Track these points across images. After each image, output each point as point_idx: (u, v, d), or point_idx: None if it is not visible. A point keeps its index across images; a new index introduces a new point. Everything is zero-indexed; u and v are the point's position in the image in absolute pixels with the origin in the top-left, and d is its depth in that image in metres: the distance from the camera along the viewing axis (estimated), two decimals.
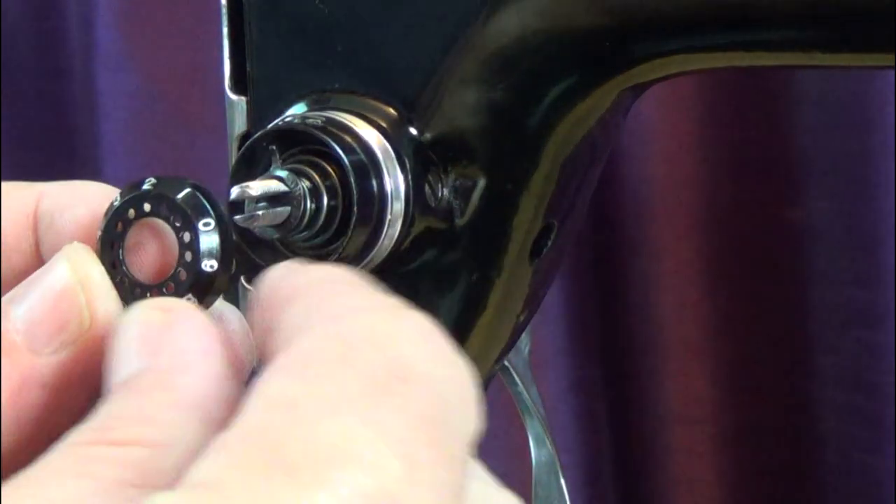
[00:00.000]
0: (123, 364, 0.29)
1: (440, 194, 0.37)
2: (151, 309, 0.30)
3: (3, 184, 0.37)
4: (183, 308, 0.30)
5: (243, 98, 0.39)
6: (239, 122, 0.39)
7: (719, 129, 0.74)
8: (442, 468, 0.26)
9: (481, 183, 0.37)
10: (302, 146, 0.35)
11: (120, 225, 0.32)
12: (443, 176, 0.37)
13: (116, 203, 0.32)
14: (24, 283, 0.33)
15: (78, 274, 0.32)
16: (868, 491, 0.73)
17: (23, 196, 0.36)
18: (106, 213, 0.33)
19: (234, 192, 0.34)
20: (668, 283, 0.76)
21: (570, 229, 0.40)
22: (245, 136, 0.38)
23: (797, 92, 0.72)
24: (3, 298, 0.33)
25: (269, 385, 0.26)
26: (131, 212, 0.32)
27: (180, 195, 0.31)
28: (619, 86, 0.37)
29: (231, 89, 0.39)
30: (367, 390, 0.26)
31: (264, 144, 0.36)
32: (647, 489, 0.78)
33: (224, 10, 0.39)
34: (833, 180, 0.72)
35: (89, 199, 0.35)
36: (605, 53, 0.36)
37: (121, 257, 0.32)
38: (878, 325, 0.71)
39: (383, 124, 0.36)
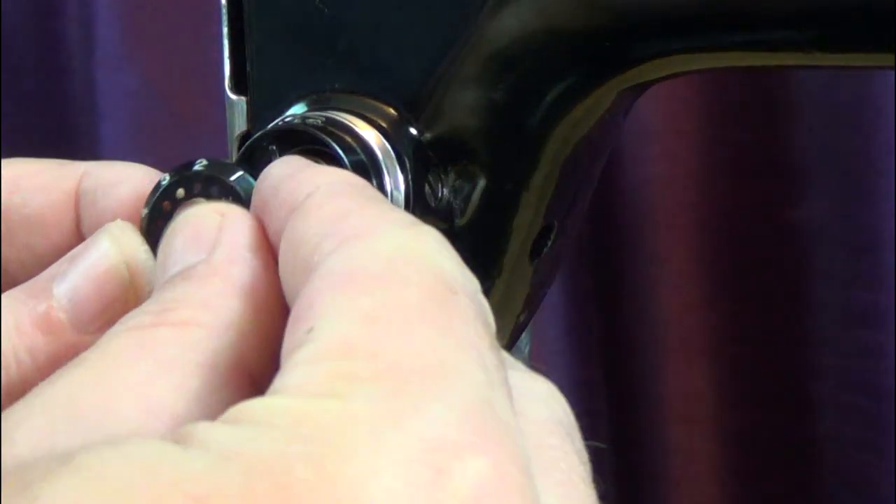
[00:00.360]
0: (178, 258, 0.30)
1: (440, 194, 0.37)
2: (205, 210, 0.31)
3: (46, 161, 0.38)
4: (235, 210, 0.31)
5: (243, 98, 0.39)
6: (239, 122, 0.39)
7: (719, 129, 0.74)
8: (501, 369, 0.27)
9: (481, 183, 0.37)
10: (302, 146, 0.35)
11: (168, 204, 0.33)
12: (443, 176, 0.37)
13: (165, 182, 0.33)
14: (65, 258, 0.33)
15: (123, 252, 0.33)
16: (868, 491, 0.73)
17: (65, 174, 0.37)
18: (153, 192, 0.33)
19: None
20: (669, 283, 0.76)
21: (570, 229, 0.40)
22: (245, 136, 0.38)
23: (797, 92, 0.72)
24: (44, 274, 0.33)
25: (332, 298, 0.26)
26: (180, 191, 0.33)
27: (233, 177, 0.32)
28: (619, 86, 0.37)
29: (231, 89, 0.39)
30: (428, 303, 0.26)
31: (264, 144, 0.36)
32: (647, 489, 0.78)
33: (224, 10, 0.39)
34: (833, 181, 0.72)
35: (133, 179, 0.35)
36: (605, 53, 0.36)
37: None
38: (878, 326, 0.71)
39: (383, 124, 0.36)
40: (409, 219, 0.28)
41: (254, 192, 0.31)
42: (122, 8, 0.81)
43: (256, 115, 0.38)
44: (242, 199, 0.32)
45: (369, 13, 0.37)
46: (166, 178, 0.33)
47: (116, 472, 0.22)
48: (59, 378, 0.27)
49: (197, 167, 0.33)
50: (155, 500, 0.22)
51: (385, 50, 0.37)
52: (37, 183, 0.37)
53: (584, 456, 0.31)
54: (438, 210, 0.37)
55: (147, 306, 0.29)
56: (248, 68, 0.39)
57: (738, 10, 0.35)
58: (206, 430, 0.23)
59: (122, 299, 0.32)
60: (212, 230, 0.30)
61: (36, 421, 0.25)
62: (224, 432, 0.23)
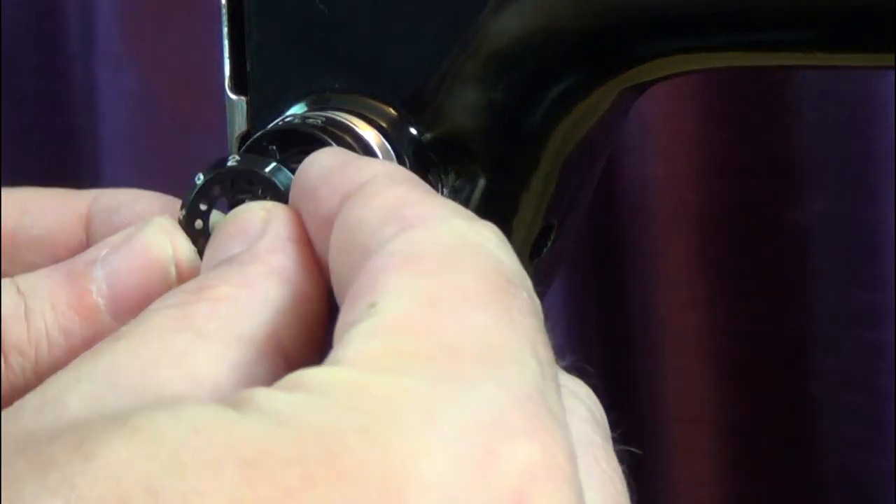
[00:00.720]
0: (223, 249, 0.31)
1: (440, 194, 0.37)
2: (251, 206, 0.32)
3: (54, 189, 0.38)
4: (280, 206, 0.32)
5: (243, 98, 0.39)
6: (239, 122, 0.39)
7: (719, 129, 0.74)
8: (553, 365, 0.27)
9: (481, 183, 0.37)
10: (302, 146, 0.35)
11: (205, 203, 0.33)
12: (443, 176, 0.37)
13: (200, 181, 0.33)
14: (104, 244, 0.33)
15: (173, 246, 0.33)
16: (868, 491, 0.73)
17: (75, 197, 0.37)
18: (188, 192, 0.33)
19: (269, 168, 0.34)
20: (669, 283, 0.76)
21: (570, 229, 0.40)
22: (245, 136, 0.38)
23: (797, 92, 0.72)
24: (82, 256, 0.33)
25: (395, 277, 0.26)
26: (216, 189, 0.33)
27: (268, 168, 0.33)
28: (619, 86, 0.37)
29: (231, 89, 0.39)
30: (488, 291, 0.27)
31: (264, 144, 0.36)
32: (647, 489, 0.78)
33: (224, 10, 0.39)
34: (834, 181, 0.72)
35: (148, 196, 0.36)
36: (606, 53, 0.36)
37: (208, 232, 0.32)
38: (878, 325, 0.71)
39: (383, 124, 0.36)
40: (469, 212, 0.29)
41: (295, 180, 0.32)
42: (122, 8, 0.81)
43: (256, 115, 0.38)
44: (280, 190, 0.32)
45: (369, 13, 0.37)
46: (200, 178, 0.33)
47: (170, 434, 0.22)
48: (102, 348, 0.27)
49: (230, 163, 0.33)
50: (207, 462, 0.22)
51: (385, 50, 0.37)
52: (46, 205, 0.38)
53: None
54: None
55: (186, 286, 0.29)
56: (248, 68, 0.39)
57: (738, 10, 0.35)
58: (263, 395, 0.23)
59: (164, 293, 0.32)
60: (257, 224, 0.31)
61: (85, 386, 0.26)
62: (280, 398, 0.23)
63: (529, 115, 0.37)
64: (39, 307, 0.32)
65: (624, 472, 0.33)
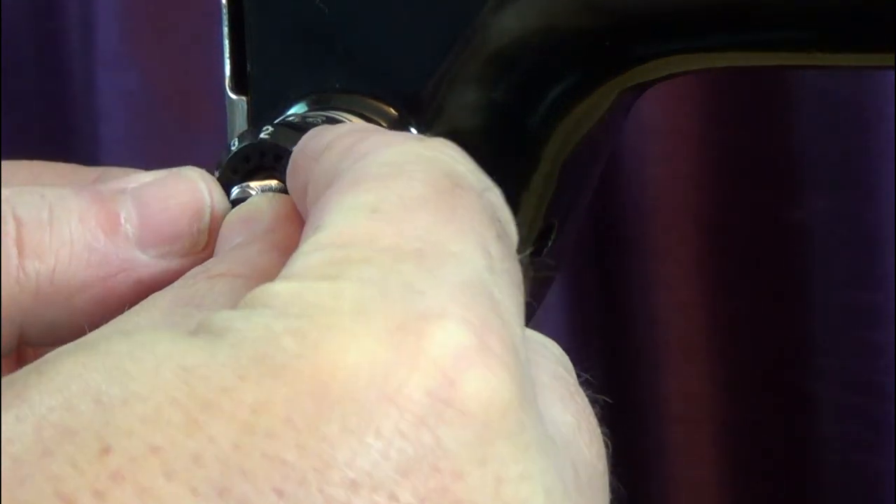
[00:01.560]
0: (229, 239, 0.32)
1: None
2: (255, 199, 0.33)
3: (65, 164, 0.38)
4: (280, 196, 0.33)
5: (243, 98, 0.39)
6: (239, 122, 0.39)
7: (719, 129, 0.74)
8: (509, 261, 0.27)
9: None
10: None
11: (236, 173, 0.34)
12: None
13: (234, 148, 0.34)
14: (128, 178, 0.33)
15: (210, 194, 0.33)
16: (868, 491, 0.73)
17: (83, 173, 0.37)
18: (224, 154, 0.34)
19: (235, 191, 0.34)
20: (669, 283, 0.76)
21: (570, 229, 0.40)
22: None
23: (797, 92, 0.72)
24: (111, 185, 0.33)
25: (339, 198, 0.27)
26: (247, 159, 0.34)
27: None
28: (619, 86, 0.37)
29: (231, 89, 0.39)
30: (433, 194, 0.27)
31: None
32: (648, 489, 0.78)
33: (224, 10, 0.39)
34: (833, 180, 0.72)
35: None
36: (606, 53, 0.36)
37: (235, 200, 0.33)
38: (878, 325, 0.71)
39: (384, 124, 0.36)
40: (420, 136, 0.30)
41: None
42: (122, 8, 0.81)
43: (256, 115, 0.38)
44: None
45: (370, 13, 0.37)
46: (235, 144, 0.34)
47: (120, 349, 0.23)
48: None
49: (263, 135, 0.33)
50: (148, 369, 0.23)
51: (385, 50, 0.37)
52: (55, 175, 0.38)
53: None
54: None
55: (191, 272, 0.30)
56: (248, 68, 0.39)
57: (738, 10, 0.35)
58: (212, 317, 0.24)
59: (193, 241, 0.32)
60: (260, 214, 0.32)
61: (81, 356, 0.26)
62: (226, 315, 0.24)
63: (530, 115, 0.37)
64: (66, 217, 0.31)
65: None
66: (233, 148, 0.34)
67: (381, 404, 0.23)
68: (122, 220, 0.32)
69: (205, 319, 0.24)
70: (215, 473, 0.22)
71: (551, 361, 0.30)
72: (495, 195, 0.28)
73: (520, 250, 0.30)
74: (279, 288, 0.25)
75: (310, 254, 0.25)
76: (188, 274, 0.30)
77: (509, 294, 0.26)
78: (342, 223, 0.26)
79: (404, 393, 0.23)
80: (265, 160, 0.34)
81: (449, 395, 0.23)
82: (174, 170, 0.33)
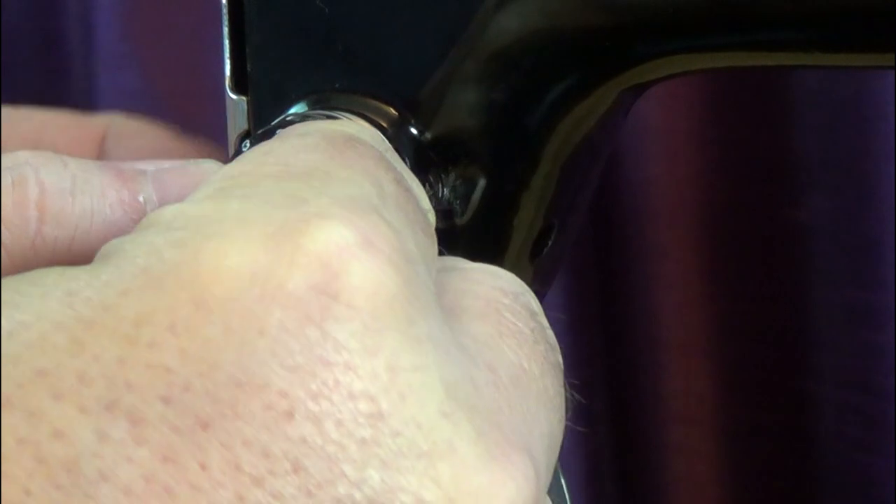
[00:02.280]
0: None
1: (440, 194, 0.37)
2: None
3: (72, 113, 0.38)
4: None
5: (243, 98, 0.39)
6: (239, 122, 0.39)
7: (719, 129, 0.74)
8: (405, 199, 0.27)
9: (482, 183, 0.37)
10: None
11: None
12: (443, 176, 0.37)
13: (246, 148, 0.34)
14: (147, 161, 0.33)
15: None
16: (868, 491, 0.73)
17: (92, 121, 0.38)
18: (237, 139, 0.34)
19: None
20: (669, 283, 0.76)
21: (570, 229, 0.40)
22: (245, 136, 0.38)
23: (797, 92, 0.72)
24: (130, 165, 0.33)
25: (245, 155, 0.28)
26: None
27: None
28: (619, 86, 0.37)
29: (231, 89, 0.39)
30: (324, 142, 0.27)
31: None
32: (647, 489, 0.78)
33: (224, 10, 0.39)
34: (834, 180, 0.72)
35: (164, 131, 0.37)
36: (606, 53, 0.36)
37: None
38: (878, 325, 0.71)
39: (384, 124, 0.36)
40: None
41: None
42: (122, 8, 0.81)
43: (256, 115, 0.38)
44: None
45: (370, 13, 0.37)
46: (247, 146, 0.35)
47: (9, 284, 0.23)
48: None
49: (279, 131, 0.35)
50: (33, 301, 0.23)
51: (385, 50, 0.37)
52: (63, 123, 0.38)
53: (553, 341, 0.30)
54: (439, 210, 0.37)
55: None
56: (248, 68, 0.39)
57: (738, 10, 0.35)
58: (108, 244, 0.25)
59: None
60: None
61: None
62: (115, 241, 0.25)
63: (530, 115, 0.37)
64: (88, 189, 0.31)
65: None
66: (243, 149, 0.34)
67: (262, 303, 0.23)
68: (142, 200, 0.32)
69: (101, 249, 0.25)
70: (101, 390, 0.22)
71: (486, 286, 0.29)
72: (399, 166, 0.29)
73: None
74: (167, 210, 0.25)
75: (204, 186, 0.26)
76: None
77: (403, 224, 0.26)
78: (237, 163, 0.26)
79: (286, 289, 0.23)
80: None
81: (333, 289, 0.23)
82: (193, 160, 0.34)
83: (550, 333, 0.30)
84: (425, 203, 0.29)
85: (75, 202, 0.31)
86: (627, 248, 0.76)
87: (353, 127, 0.29)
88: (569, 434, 0.78)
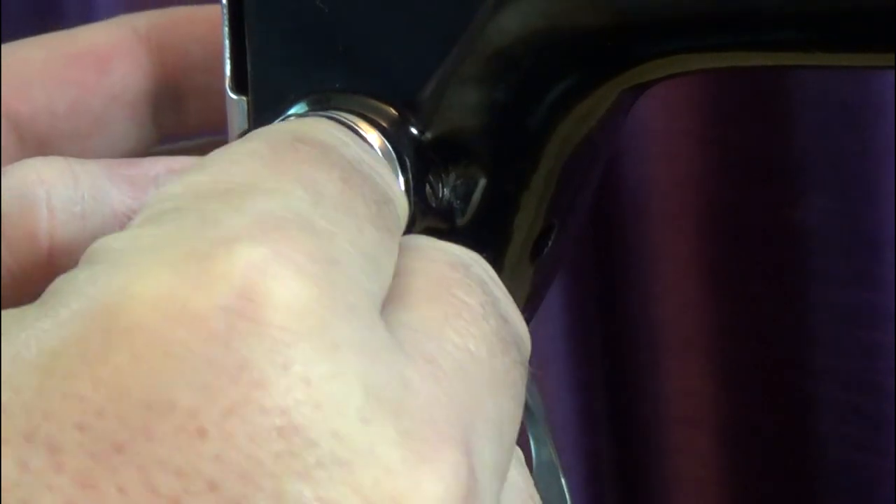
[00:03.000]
0: None
1: (441, 194, 0.37)
2: None
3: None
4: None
5: (243, 98, 0.39)
6: (239, 122, 0.39)
7: (719, 129, 0.74)
8: (347, 194, 0.27)
9: (482, 183, 0.37)
10: None
11: None
12: (443, 176, 0.37)
13: None
14: (158, 160, 0.33)
15: None
16: (868, 491, 0.73)
17: (128, 18, 0.38)
18: None
19: None
20: (669, 283, 0.76)
21: (570, 229, 0.40)
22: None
23: (797, 92, 0.72)
24: (145, 167, 0.33)
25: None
26: None
27: None
28: (619, 86, 0.37)
29: (231, 89, 0.39)
30: (266, 147, 0.27)
31: None
32: (647, 489, 0.78)
33: (224, 10, 0.39)
34: (834, 180, 0.72)
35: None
36: (607, 53, 0.36)
37: None
38: (878, 325, 0.71)
39: (384, 124, 0.36)
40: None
41: None
42: (123, 8, 0.81)
43: (257, 115, 0.38)
44: None
45: (370, 13, 0.37)
46: None
47: None
48: None
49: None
50: None
51: (385, 49, 0.37)
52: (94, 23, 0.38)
53: (507, 312, 0.29)
54: (439, 210, 0.37)
55: None
56: (248, 68, 0.39)
57: (738, 10, 0.35)
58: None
59: None
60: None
61: None
62: (58, 280, 0.25)
63: (530, 115, 0.37)
64: (100, 210, 0.31)
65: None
66: None
67: (167, 325, 0.23)
68: None
69: (49, 286, 0.25)
70: (21, 421, 0.22)
71: (437, 263, 0.29)
72: (367, 161, 0.29)
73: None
74: (98, 243, 0.25)
75: (140, 210, 0.26)
76: None
77: (342, 224, 0.26)
78: (172, 182, 0.26)
79: (191, 311, 0.23)
80: None
81: (240, 307, 0.23)
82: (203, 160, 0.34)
83: (505, 304, 0.29)
84: (392, 190, 0.29)
85: (86, 226, 0.31)
86: (627, 249, 0.76)
87: (305, 125, 0.29)
88: (569, 434, 0.78)
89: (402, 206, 0.29)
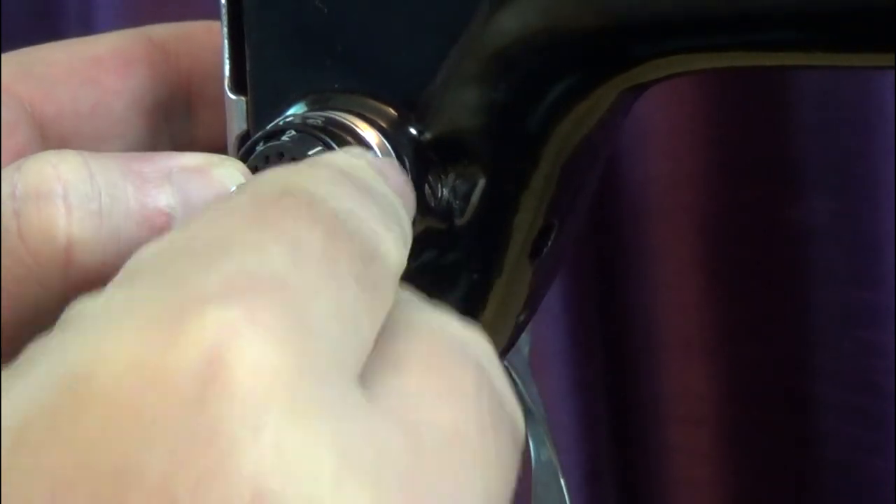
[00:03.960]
0: None
1: (440, 194, 0.37)
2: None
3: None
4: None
5: (242, 98, 0.39)
6: (239, 122, 0.39)
7: (719, 129, 0.74)
8: (331, 249, 0.26)
9: (481, 183, 0.37)
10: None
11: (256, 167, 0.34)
12: (443, 176, 0.37)
13: (259, 149, 0.34)
14: (171, 155, 0.33)
15: None
16: (868, 491, 0.73)
17: (133, 31, 0.38)
18: (246, 154, 0.34)
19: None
20: (669, 283, 0.76)
21: (570, 229, 0.40)
22: (245, 136, 0.38)
23: (797, 92, 0.72)
24: (161, 160, 0.32)
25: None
26: (267, 158, 0.34)
27: (311, 152, 0.34)
28: (619, 86, 0.37)
29: (231, 89, 0.39)
30: (249, 203, 0.26)
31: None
32: (647, 489, 0.78)
33: (224, 10, 0.39)
34: (833, 180, 0.72)
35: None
36: (606, 53, 0.36)
37: None
38: (878, 325, 0.71)
39: (383, 124, 0.36)
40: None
41: None
42: (122, 8, 0.81)
43: (256, 115, 0.38)
44: None
45: (369, 13, 0.37)
46: (261, 145, 0.35)
47: None
48: None
49: (285, 138, 0.34)
50: None
51: (385, 50, 0.37)
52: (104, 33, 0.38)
53: (504, 393, 0.28)
54: (438, 210, 0.37)
55: None
56: (247, 68, 0.39)
57: (738, 10, 0.35)
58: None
59: None
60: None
61: None
62: (34, 346, 0.25)
63: (530, 115, 0.37)
64: (117, 208, 0.31)
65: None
66: (258, 148, 0.34)
67: (139, 391, 0.22)
68: (167, 209, 0.31)
69: (25, 351, 0.25)
70: None
71: (436, 336, 0.28)
72: (373, 212, 0.28)
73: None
74: (74, 307, 0.25)
75: (120, 272, 0.26)
76: None
77: (321, 282, 0.25)
78: (153, 243, 0.26)
79: (163, 376, 0.22)
80: (283, 162, 0.34)
81: (212, 371, 0.22)
82: (215, 158, 0.33)
83: (501, 387, 0.29)
84: (384, 245, 0.28)
85: (103, 224, 0.30)
86: (627, 248, 0.76)
87: (295, 175, 0.28)
88: (569, 433, 0.78)
89: (394, 260, 0.28)
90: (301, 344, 0.23)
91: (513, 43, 0.36)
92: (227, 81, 0.39)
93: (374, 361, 0.26)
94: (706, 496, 0.77)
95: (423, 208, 0.36)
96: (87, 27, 0.82)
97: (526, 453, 0.43)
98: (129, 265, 0.25)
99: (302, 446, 0.22)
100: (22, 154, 0.35)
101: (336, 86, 0.37)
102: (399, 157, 0.36)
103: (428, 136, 0.37)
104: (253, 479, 0.22)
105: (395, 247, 0.28)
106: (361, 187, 0.29)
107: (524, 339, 0.43)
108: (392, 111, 0.37)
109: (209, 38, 0.39)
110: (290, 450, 0.22)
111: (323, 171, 0.28)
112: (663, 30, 0.36)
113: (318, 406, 0.23)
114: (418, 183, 0.36)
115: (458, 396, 0.27)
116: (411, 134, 0.37)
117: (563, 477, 0.43)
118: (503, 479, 0.27)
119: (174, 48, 0.38)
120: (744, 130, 0.74)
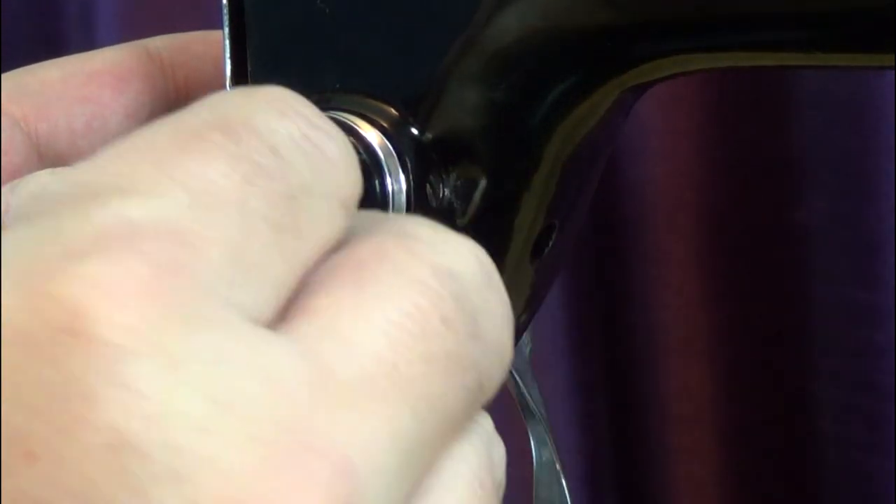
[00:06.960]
0: None
1: (441, 194, 0.37)
2: None
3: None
4: None
5: None
6: None
7: (719, 129, 0.74)
8: (260, 202, 0.24)
9: (482, 183, 0.37)
10: None
11: None
12: (444, 176, 0.37)
13: None
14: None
15: None
16: (868, 491, 0.73)
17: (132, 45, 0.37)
18: None
19: None
20: (669, 283, 0.76)
21: (571, 229, 0.40)
22: None
23: (797, 92, 0.72)
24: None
25: None
26: None
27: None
28: (619, 86, 0.37)
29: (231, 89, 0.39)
30: (166, 138, 0.25)
31: None
32: (647, 489, 0.78)
33: (224, 10, 0.39)
34: (834, 180, 0.72)
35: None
36: (607, 53, 0.36)
37: None
38: (878, 325, 0.71)
39: (385, 124, 0.36)
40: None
41: None
42: (122, 8, 0.81)
43: None
44: None
45: (370, 13, 0.37)
46: None
47: None
48: None
49: None
50: None
51: (386, 50, 0.37)
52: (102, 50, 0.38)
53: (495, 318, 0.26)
54: (439, 210, 0.37)
55: None
56: (248, 68, 0.39)
57: (738, 10, 0.35)
58: None
59: None
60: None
61: None
62: None
63: (531, 115, 0.37)
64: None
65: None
66: None
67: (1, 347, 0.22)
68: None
69: None
70: None
71: (371, 243, 0.26)
72: (313, 149, 0.26)
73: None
74: None
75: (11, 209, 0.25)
76: None
77: (221, 231, 0.24)
78: (50, 177, 0.26)
79: (22, 333, 0.22)
80: None
81: (72, 326, 0.22)
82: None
83: (481, 302, 0.26)
84: (328, 173, 0.26)
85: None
86: (627, 249, 0.76)
87: (246, 106, 0.26)
88: (569, 433, 0.78)
89: (337, 189, 0.26)
90: (173, 292, 0.23)
91: (514, 43, 0.36)
92: (228, 82, 0.39)
93: (301, 297, 0.24)
94: (706, 496, 0.77)
95: (425, 208, 0.36)
96: (87, 27, 0.82)
97: (527, 454, 0.43)
98: (17, 205, 0.25)
99: (166, 394, 0.22)
100: (18, 174, 0.34)
101: (337, 85, 0.37)
102: (400, 158, 0.36)
103: (429, 135, 0.37)
104: (110, 428, 0.21)
105: (344, 174, 0.26)
106: (312, 118, 0.27)
107: (525, 340, 0.43)
108: (393, 111, 0.37)
109: (206, 50, 0.39)
110: (154, 399, 0.22)
111: (275, 104, 0.26)
112: (663, 30, 0.36)
113: (190, 353, 0.22)
114: (420, 183, 0.36)
115: (395, 315, 0.24)
116: (413, 134, 0.37)
117: (565, 477, 0.43)
118: (446, 421, 0.25)
119: (171, 60, 0.38)
120: (744, 131, 0.74)
